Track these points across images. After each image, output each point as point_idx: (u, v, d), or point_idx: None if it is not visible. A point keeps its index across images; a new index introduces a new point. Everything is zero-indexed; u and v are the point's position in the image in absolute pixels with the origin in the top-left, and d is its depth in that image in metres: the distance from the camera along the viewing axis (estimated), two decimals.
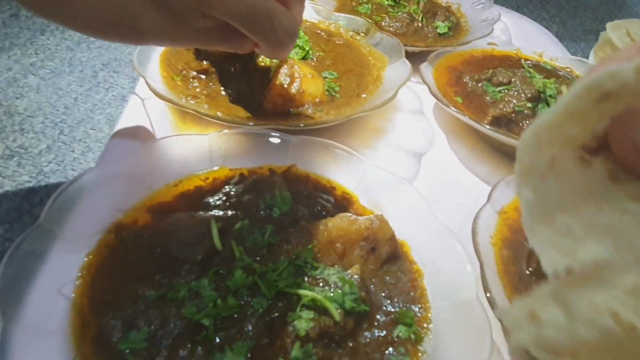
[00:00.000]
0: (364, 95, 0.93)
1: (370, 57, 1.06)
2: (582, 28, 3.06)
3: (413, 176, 0.86)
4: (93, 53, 2.20)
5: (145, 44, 0.75)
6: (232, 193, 0.67)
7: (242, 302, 0.52)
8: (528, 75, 1.03)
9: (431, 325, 0.56)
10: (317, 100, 0.88)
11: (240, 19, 0.55)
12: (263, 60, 0.89)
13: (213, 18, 0.55)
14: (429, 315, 0.56)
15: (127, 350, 0.48)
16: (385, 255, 0.60)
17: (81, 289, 0.53)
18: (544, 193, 0.26)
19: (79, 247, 0.57)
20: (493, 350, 0.51)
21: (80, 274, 0.54)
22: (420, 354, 0.53)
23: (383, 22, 1.25)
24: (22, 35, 2.24)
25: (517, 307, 0.27)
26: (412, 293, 0.58)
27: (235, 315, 0.51)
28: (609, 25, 1.30)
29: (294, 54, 1.00)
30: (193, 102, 0.82)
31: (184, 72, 0.90)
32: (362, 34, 1.13)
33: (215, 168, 0.71)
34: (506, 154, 0.93)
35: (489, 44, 1.26)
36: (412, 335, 0.54)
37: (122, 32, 0.54)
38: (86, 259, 0.56)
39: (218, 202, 0.66)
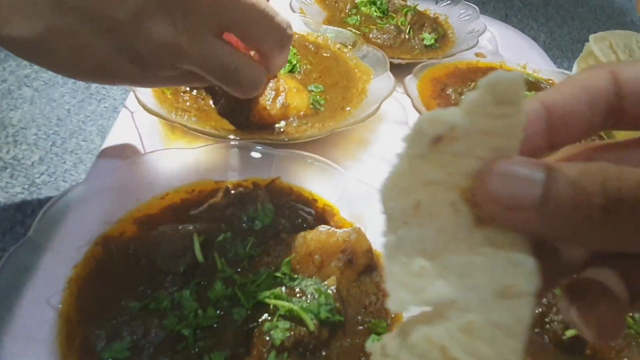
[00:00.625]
0: (348, 109, 0.95)
1: (356, 70, 1.09)
2: (569, 37, 3.09)
3: None
4: None
5: (118, 85, 0.79)
6: (216, 206, 0.69)
7: (222, 313, 0.54)
8: None
9: None
10: (301, 113, 0.90)
11: (209, 73, 0.60)
12: None
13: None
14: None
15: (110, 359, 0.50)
16: (362, 267, 0.62)
17: (68, 299, 0.55)
18: (405, 238, 0.27)
19: (67, 259, 0.58)
20: None
21: (67, 285, 0.56)
22: None
23: (371, 34, 1.27)
24: None
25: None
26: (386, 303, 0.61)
27: (215, 325, 0.53)
28: (591, 37, 1.32)
29: None
30: (185, 117, 0.85)
31: None
32: (349, 47, 1.16)
33: (202, 181, 0.74)
34: None
35: (477, 54, 1.28)
36: None
37: (98, 79, 0.59)
38: (74, 270, 0.58)
39: (203, 215, 0.68)
